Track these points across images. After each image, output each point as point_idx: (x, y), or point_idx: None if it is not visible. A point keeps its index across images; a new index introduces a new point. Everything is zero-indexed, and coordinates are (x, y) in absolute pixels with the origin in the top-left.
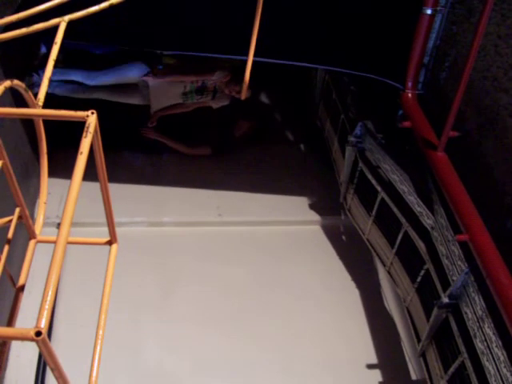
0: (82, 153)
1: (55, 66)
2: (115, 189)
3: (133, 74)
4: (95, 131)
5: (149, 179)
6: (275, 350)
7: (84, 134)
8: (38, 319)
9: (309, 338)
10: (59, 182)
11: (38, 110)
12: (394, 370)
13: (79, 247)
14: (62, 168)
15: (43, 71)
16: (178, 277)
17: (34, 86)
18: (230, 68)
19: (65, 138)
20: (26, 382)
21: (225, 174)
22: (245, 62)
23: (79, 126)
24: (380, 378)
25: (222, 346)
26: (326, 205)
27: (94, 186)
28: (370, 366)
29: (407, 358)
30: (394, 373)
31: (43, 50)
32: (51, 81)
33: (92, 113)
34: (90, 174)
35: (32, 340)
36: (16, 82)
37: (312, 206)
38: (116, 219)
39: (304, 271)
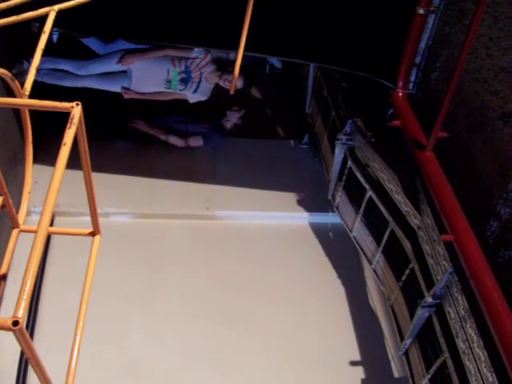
0: (65, 144)
1: (44, 55)
2: (103, 179)
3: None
4: (80, 122)
5: (137, 170)
6: (259, 345)
7: (68, 125)
8: (16, 309)
9: (292, 334)
10: (47, 171)
11: (22, 100)
12: (377, 368)
13: (65, 238)
14: (50, 156)
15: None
16: (164, 269)
17: (23, 74)
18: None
19: (55, 126)
20: (9, 370)
21: (213, 168)
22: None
23: (68, 115)
24: (362, 375)
25: (207, 339)
26: (314, 201)
27: (82, 175)
28: (353, 363)
29: (390, 356)
30: (377, 370)
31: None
32: (40, 69)
33: (77, 104)
34: (78, 163)
35: (9, 329)
36: (2, 70)
37: (300, 202)
38: (103, 209)
39: (290, 267)
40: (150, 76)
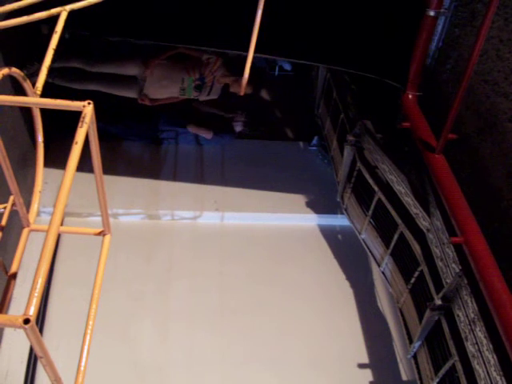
0: (77, 142)
1: (55, 54)
2: (114, 180)
3: (128, 69)
4: (91, 121)
5: (146, 171)
6: (267, 347)
7: (80, 124)
8: (27, 307)
9: (301, 336)
10: (57, 172)
11: (35, 99)
12: (385, 370)
13: (75, 237)
14: (60, 157)
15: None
16: (173, 269)
17: (34, 75)
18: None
19: (65, 126)
20: (17, 372)
21: (222, 168)
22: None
23: (78, 116)
24: (371, 378)
25: (214, 340)
26: (323, 203)
27: (93, 177)
28: (362, 366)
29: (398, 359)
30: (385, 373)
31: None
32: (52, 70)
33: (89, 103)
34: (88, 165)
35: (20, 327)
36: (14, 69)
37: (309, 204)
38: (112, 210)
39: (298, 269)
40: (164, 85)
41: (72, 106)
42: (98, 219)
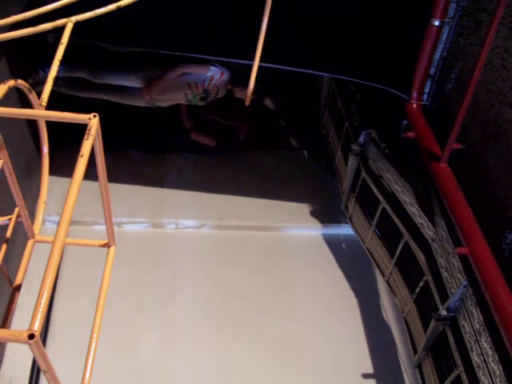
0: (82, 155)
1: (60, 63)
2: (117, 188)
3: (133, 81)
4: (97, 134)
5: (150, 179)
6: (271, 357)
7: (85, 137)
8: (32, 322)
9: (305, 346)
10: (61, 179)
11: (40, 112)
12: (390, 381)
13: (79, 247)
14: (64, 165)
15: (50, 68)
16: (177, 279)
17: (40, 83)
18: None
19: (71, 134)
20: (21, 380)
21: (227, 178)
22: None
23: (84, 124)
24: None
25: (217, 351)
26: (328, 212)
27: (97, 185)
28: (366, 376)
29: (403, 369)
30: (389, 383)
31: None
32: (57, 78)
33: (94, 116)
34: (93, 172)
35: (25, 342)
36: (20, 81)
37: (313, 213)
38: (117, 219)
39: (303, 278)
40: (168, 98)
41: (78, 118)
42: (103, 228)
